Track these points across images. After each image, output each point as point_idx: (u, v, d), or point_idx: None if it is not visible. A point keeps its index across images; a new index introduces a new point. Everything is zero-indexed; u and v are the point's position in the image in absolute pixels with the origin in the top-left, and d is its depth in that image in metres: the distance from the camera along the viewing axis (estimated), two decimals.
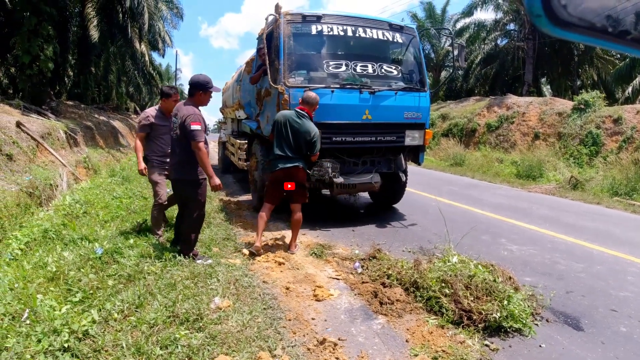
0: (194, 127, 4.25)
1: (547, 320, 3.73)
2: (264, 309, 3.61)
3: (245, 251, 5.16)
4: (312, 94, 5.29)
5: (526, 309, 3.60)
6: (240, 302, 3.67)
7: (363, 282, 4.28)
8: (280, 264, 4.81)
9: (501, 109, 18.93)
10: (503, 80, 26.67)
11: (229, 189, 9.96)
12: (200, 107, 4.52)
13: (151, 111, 5.30)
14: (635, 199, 9.74)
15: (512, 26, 26.02)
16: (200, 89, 4.46)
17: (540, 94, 23.45)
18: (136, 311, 3.34)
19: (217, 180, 4.46)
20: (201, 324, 3.18)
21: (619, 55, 23.09)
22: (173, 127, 4.48)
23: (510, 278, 4.03)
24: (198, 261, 4.47)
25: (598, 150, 13.77)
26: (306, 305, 3.83)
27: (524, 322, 3.49)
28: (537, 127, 16.65)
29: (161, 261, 4.36)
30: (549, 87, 26.52)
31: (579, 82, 24.83)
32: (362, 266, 4.69)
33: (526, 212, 8.22)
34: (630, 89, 18.02)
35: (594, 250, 5.94)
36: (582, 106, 15.31)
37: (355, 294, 4.11)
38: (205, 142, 4.40)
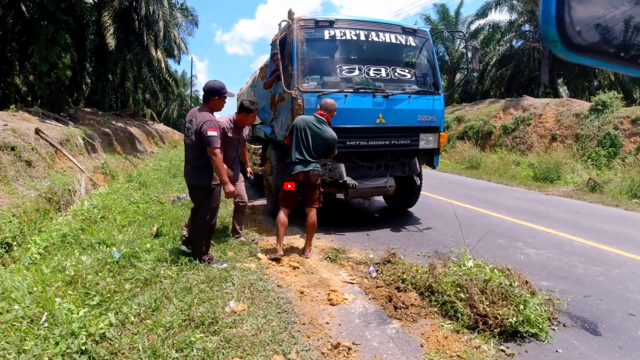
0: (211, 133, 4.32)
1: (564, 325, 3.68)
2: (279, 312, 3.63)
3: (260, 255, 5.19)
4: (330, 101, 5.39)
5: (543, 314, 3.55)
6: (255, 306, 3.70)
7: (377, 287, 4.27)
8: (294, 268, 4.82)
9: (517, 111, 18.71)
10: (519, 82, 26.41)
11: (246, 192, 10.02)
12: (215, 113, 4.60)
13: (225, 122, 5.30)
14: None
15: (527, 27, 25.75)
16: (215, 95, 4.54)
17: (556, 95, 23.15)
18: (152, 314, 3.39)
19: (231, 187, 4.54)
20: (216, 328, 3.21)
21: None
22: (188, 133, 4.53)
23: (526, 282, 3.97)
24: (213, 265, 4.52)
25: (616, 151, 13.53)
26: (320, 310, 3.83)
27: (541, 326, 3.44)
28: (554, 129, 16.43)
29: (177, 265, 4.42)
30: (565, 88, 26.17)
31: (595, 83, 24.45)
32: (377, 270, 4.67)
33: (543, 215, 8.11)
34: None
35: (612, 253, 5.84)
36: (600, 107, 15.06)
37: (369, 298, 4.10)
38: (220, 150, 4.46)
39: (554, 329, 3.57)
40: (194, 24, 28.25)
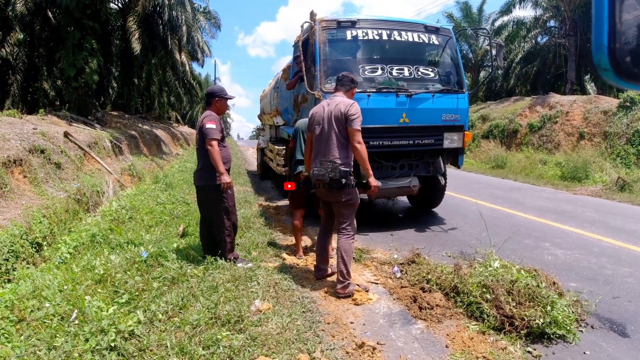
0: (209, 125, 4.42)
1: (592, 327, 3.61)
2: (303, 312, 3.65)
3: (285, 255, 5.23)
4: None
5: (570, 315, 3.49)
6: (279, 305, 3.73)
7: (402, 287, 4.26)
8: None
9: (544, 109, 18.35)
10: (544, 79, 25.93)
11: (268, 194, 10.11)
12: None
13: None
14: None
15: (552, 23, 25.29)
16: (216, 97, 4.68)
17: (584, 92, 22.66)
18: (180, 312, 3.46)
19: (226, 178, 4.49)
20: (242, 326, 3.25)
21: None
22: (197, 137, 4.66)
23: (554, 283, 3.90)
24: (239, 264, 4.57)
25: None
26: (345, 309, 3.84)
27: (568, 328, 3.38)
28: (582, 127, 16.07)
29: (203, 265, 4.48)
30: (592, 84, 25.59)
31: None
32: (401, 271, 4.65)
33: (571, 215, 7.94)
34: None
35: None
36: (628, 104, 14.66)
37: (394, 299, 4.09)
38: (223, 142, 4.55)
39: (581, 331, 3.50)
40: (216, 27, 28.55)
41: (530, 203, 9.18)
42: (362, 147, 4.02)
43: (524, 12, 39.95)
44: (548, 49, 24.64)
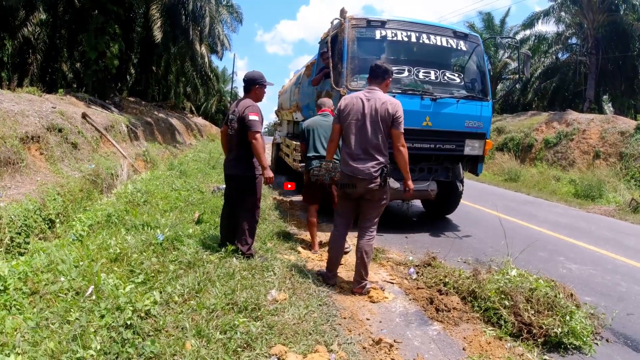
0: (252, 117, 4.25)
1: (607, 340, 3.59)
2: (320, 305, 3.63)
3: (300, 249, 5.23)
4: (323, 99, 5.77)
5: (587, 327, 3.46)
6: (296, 296, 3.71)
7: (418, 288, 4.24)
8: None
9: (560, 125, 18.21)
10: (563, 96, 25.77)
11: (282, 188, 10.09)
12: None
13: None
14: None
15: (574, 40, 25.15)
16: (256, 84, 4.53)
17: (601, 111, 22.51)
18: (196, 296, 3.45)
19: (270, 173, 4.41)
20: (259, 314, 3.24)
21: None
22: (231, 124, 4.47)
23: (571, 295, 3.86)
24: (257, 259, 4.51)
25: None
26: (360, 306, 3.83)
27: (585, 339, 3.36)
28: (598, 146, 15.93)
29: (219, 252, 4.47)
30: (610, 104, 25.38)
31: None
32: (417, 272, 4.63)
33: (585, 232, 7.88)
34: None
35: None
36: None
37: (410, 299, 4.07)
38: (261, 135, 4.40)
39: (597, 343, 3.47)
40: (238, 21, 28.59)
41: (543, 217, 9.11)
42: (405, 151, 3.98)
43: (547, 27, 39.80)
44: (568, 65, 24.51)
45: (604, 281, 5.21)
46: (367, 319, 3.56)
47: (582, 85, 23.17)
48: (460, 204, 7.82)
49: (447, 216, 8.06)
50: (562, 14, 23.53)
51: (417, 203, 8.89)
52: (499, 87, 28.14)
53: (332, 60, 6.15)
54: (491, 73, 26.91)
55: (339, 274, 4.43)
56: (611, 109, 24.82)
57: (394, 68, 6.23)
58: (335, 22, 6.34)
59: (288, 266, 4.45)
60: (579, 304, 3.79)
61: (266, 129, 57.30)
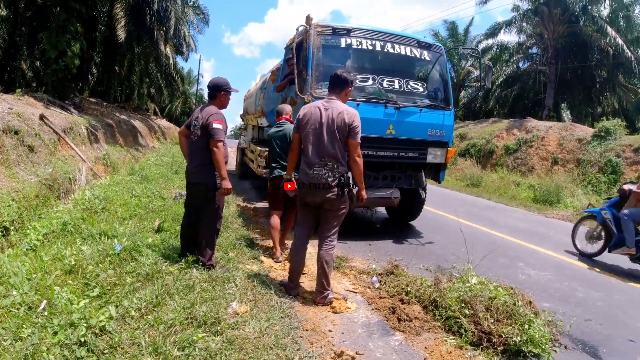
0: (216, 125, 4.20)
1: (565, 347, 3.67)
2: (282, 317, 3.58)
3: (263, 258, 5.15)
4: (282, 105, 5.91)
5: (546, 335, 3.53)
6: (257, 308, 3.65)
7: (381, 297, 4.24)
8: None
9: (520, 132, 18.77)
10: (523, 104, 26.56)
11: (246, 194, 9.99)
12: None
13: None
14: None
15: (534, 50, 25.98)
16: (221, 90, 4.46)
17: (559, 119, 23.30)
18: (154, 310, 3.34)
19: (228, 184, 4.35)
20: (219, 328, 3.17)
21: None
22: (194, 130, 4.38)
23: (530, 302, 3.94)
24: (218, 270, 4.40)
25: (617, 179, 13.53)
26: (323, 317, 3.80)
27: (543, 347, 3.42)
28: (556, 152, 16.48)
29: (179, 263, 4.35)
30: (568, 112, 26.32)
31: (599, 110, 24.61)
32: (380, 281, 4.64)
33: (544, 237, 8.11)
34: None
35: (613, 279, 5.87)
36: (603, 134, 15.12)
37: (372, 309, 4.07)
38: (224, 144, 4.34)
39: (555, 351, 3.55)
40: (204, 22, 28.22)
41: (504, 222, 9.34)
42: (361, 161, 3.97)
43: (509, 37, 40.96)
44: (528, 74, 25.28)
45: (562, 287, 5.36)
46: (330, 331, 3.54)
47: (542, 94, 23.92)
48: (423, 209, 7.93)
49: (411, 223, 8.16)
50: (524, 24, 24.27)
51: (381, 210, 8.96)
52: (462, 94, 28.79)
53: (297, 67, 6.13)
54: (454, 81, 27.60)
55: (302, 284, 4.39)
56: (569, 116, 25.72)
57: (358, 76, 6.29)
58: (301, 28, 6.32)
59: (250, 277, 4.37)
60: (537, 311, 3.88)
61: (232, 132, 56.66)
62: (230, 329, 3.19)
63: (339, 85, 4.05)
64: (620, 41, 19.94)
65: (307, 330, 3.46)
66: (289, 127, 5.35)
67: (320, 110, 3.93)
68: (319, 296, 4.01)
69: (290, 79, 6.40)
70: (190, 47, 26.16)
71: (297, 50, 6.31)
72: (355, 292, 4.44)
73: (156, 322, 3.12)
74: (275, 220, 5.43)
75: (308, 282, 4.58)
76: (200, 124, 4.31)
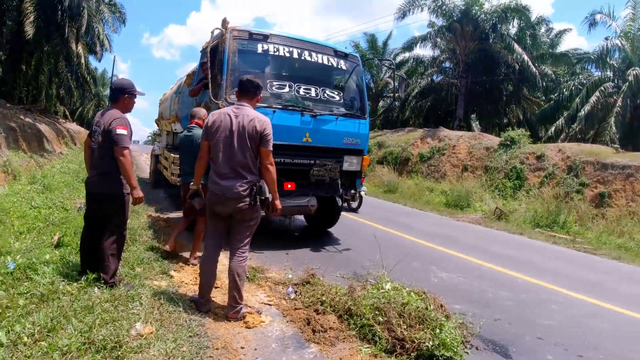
0: (120, 131, 3.89)
1: (476, 348, 3.80)
2: (190, 336, 3.38)
3: (173, 273, 4.88)
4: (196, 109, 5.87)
5: (457, 337, 3.62)
6: (164, 328, 3.42)
7: (296, 309, 4.17)
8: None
9: (434, 141, 19.74)
10: (436, 114, 27.92)
11: (159, 204, 9.52)
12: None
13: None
14: (555, 231, 10.45)
15: (447, 64, 27.47)
16: (125, 93, 4.16)
17: (469, 128, 24.72)
18: (48, 335, 3.02)
19: (140, 192, 4.08)
20: (119, 353, 2.92)
21: (544, 97, 24.99)
22: (94, 135, 4.05)
23: (441, 306, 4.08)
24: (123, 288, 4.08)
25: (521, 184, 14.61)
26: (235, 333, 3.64)
27: (455, 350, 3.50)
28: (466, 160, 17.49)
29: (78, 281, 4.01)
30: (478, 123, 28.04)
31: (505, 120, 26.53)
32: (296, 291, 4.58)
33: (455, 241, 8.51)
34: (552, 129, 19.45)
35: (519, 279, 6.23)
36: (508, 142, 16.28)
37: (287, 321, 3.98)
38: (129, 151, 4.05)
39: (467, 352, 3.66)
40: (121, 21, 26.71)
41: (418, 227, 9.70)
42: (273, 169, 3.88)
43: (424, 51, 43.01)
44: (441, 87, 26.60)
45: (472, 288, 5.61)
46: (242, 348, 3.40)
47: (454, 105, 25.24)
48: (341, 216, 8.04)
49: (329, 230, 8.22)
50: (438, 40, 25.56)
51: (300, 218, 8.95)
52: (380, 104, 29.76)
53: (211, 71, 5.96)
54: (374, 91, 28.46)
55: (214, 299, 4.20)
56: (479, 126, 27.39)
57: (275, 83, 6.24)
58: (216, 32, 6.16)
59: (157, 294, 4.09)
60: (448, 314, 4.01)
61: (149, 138, 54.30)
62: (133, 352, 2.96)
63: (250, 91, 3.93)
64: (526, 57, 21.56)
65: (217, 349, 3.30)
66: (198, 132, 5.22)
67: (230, 117, 3.78)
68: (231, 311, 3.86)
69: (205, 84, 6.20)
70: (105, 46, 24.72)
71: (212, 54, 6.13)
72: (270, 305, 4.33)
73: (50, 349, 2.83)
74: (180, 227, 5.42)
75: (221, 296, 4.39)
76: (101, 130, 3.98)
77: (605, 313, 5.14)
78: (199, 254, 4.99)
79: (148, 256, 5.36)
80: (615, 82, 18.82)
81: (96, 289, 3.90)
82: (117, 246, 4.17)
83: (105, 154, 4.00)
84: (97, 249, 4.12)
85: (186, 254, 5.69)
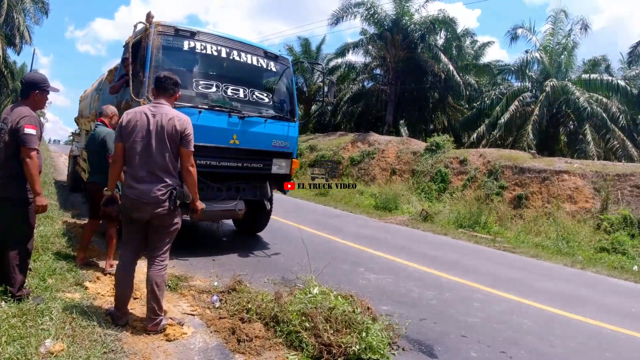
0: (28, 130, 3.55)
1: (403, 349, 3.83)
2: (105, 352, 3.10)
3: (88, 284, 4.50)
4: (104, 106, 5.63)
5: (384, 339, 3.63)
6: (76, 345, 3.11)
7: (220, 318, 3.98)
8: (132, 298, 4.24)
9: (364, 145, 20.16)
10: (367, 119, 28.54)
11: (76, 209, 8.88)
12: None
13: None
14: (477, 231, 10.96)
15: (378, 71, 28.22)
16: (36, 89, 3.78)
17: (398, 134, 25.47)
18: None
19: (43, 200, 3.73)
20: None
21: (467, 105, 26.32)
22: (1, 133, 3.64)
23: (368, 308, 4.09)
24: (32, 302, 3.71)
25: (446, 187, 15.24)
26: (155, 347, 3.39)
27: (382, 352, 3.50)
28: (395, 164, 18.00)
29: None
30: (406, 128, 28.99)
31: (432, 126, 27.69)
32: (221, 300, 4.38)
33: (383, 242, 8.66)
34: (475, 135, 20.51)
35: (443, 278, 6.43)
36: (434, 147, 16.96)
37: (211, 331, 3.78)
38: (38, 152, 3.71)
39: (394, 354, 3.68)
40: (43, 12, 24.92)
41: (347, 229, 9.80)
42: (194, 171, 3.67)
43: (356, 58, 43.85)
44: (372, 93, 27.23)
45: (399, 288, 5.70)
46: None
47: (383, 111, 25.92)
48: (272, 220, 7.92)
49: (258, 234, 8.08)
50: (370, 47, 26.22)
51: (229, 222, 8.72)
52: (313, 107, 29.97)
53: (133, 67, 5.63)
54: (306, 94, 28.62)
55: (132, 311, 3.90)
56: (407, 132, 28.29)
57: (201, 82, 6.01)
58: (140, 26, 5.83)
59: (70, 307, 3.74)
60: (375, 316, 4.02)
61: (71, 137, 51.06)
62: None
63: (168, 88, 3.69)
64: (451, 67, 22.63)
65: None
66: (101, 130, 5.06)
67: (147, 116, 3.51)
68: (151, 323, 3.60)
69: (126, 81, 5.85)
70: (25, 39, 22.99)
71: (135, 50, 5.79)
72: (193, 315, 4.10)
73: None
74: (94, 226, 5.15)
75: (140, 307, 4.10)
76: (8, 128, 3.60)
77: (525, 309, 5.40)
78: (115, 262, 4.66)
79: (61, 266, 4.90)
80: (533, 92, 20.27)
81: (3, 302, 3.52)
82: (23, 256, 3.78)
83: (10, 155, 3.63)
84: (2, 260, 3.72)
85: (103, 263, 5.30)
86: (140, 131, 3.47)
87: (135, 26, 5.91)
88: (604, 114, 17.83)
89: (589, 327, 4.97)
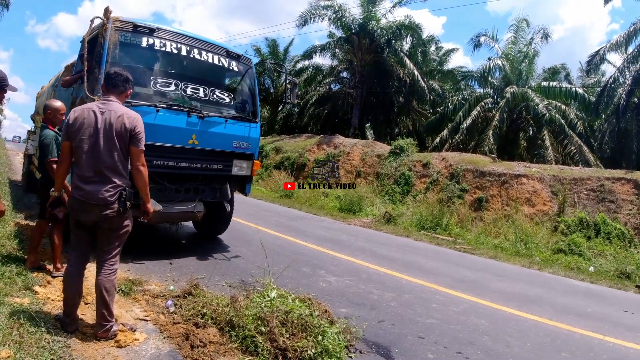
0: None
1: (360, 352, 3.82)
2: None
3: (38, 288, 4.30)
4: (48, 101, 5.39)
5: (340, 342, 3.62)
6: (23, 351, 2.95)
7: (174, 323, 3.87)
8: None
9: (329, 147, 20.22)
10: (333, 122, 28.67)
11: (30, 210, 8.49)
12: None
13: None
14: (438, 233, 11.17)
15: (345, 74, 28.41)
16: None
17: (364, 136, 25.70)
18: None
19: (0, 205, 3.52)
20: None
21: (431, 110, 26.82)
22: None
23: (326, 311, 4.08)
24: None
25: (409, 189, 15.45)
26: (105, 354, 3.26)
27: (338, 355, 3.48)
28: (359, 166, 18.12)
29: None
30: (372, 131, 29.29)
31: (396, 130, 28.04)
32: (175, 304, 4.25)
33: (345, 244, 8.68)
34: (438, 139, 20.97)
35: (403, 279, 6.48)
36: (398, 151, 17.18)
37: (164, 337, 3.66)
38: None
39: (351, 357, 3.68)
40: (4, 5, 23.74)
41: (310, 232, 9.78)
42: (145, 170, 3.52)
43: (323, 60, 44.10)
44: (339, 95, 27.40)
45: (359, 291, 5.70)
46: None
47: (349, 114, 26.13)
48: (233, 222, 7.79)
49: (219, 236, 7.94)
50: (337, 50, 26.46)
51: (189, 224, 8.54)
52: (279, 109, 29.85)
53: (88, 63, 5.43)
54: (273, 96, 28.54)
55: (83, 317, 3.74)
56: (372, 135, 28.60)
57: (159, 80, 5.86)
58: (97, 21, 5.63)
59: (17, 312, 3.53)
60: (333, 319, 4.00)
61: (27, 136, 49.11)
62: None
63: (119, 85, 3.55)
64: (416, 72, 23.06)
65: None
66: (43, 132, 4.83)
67: (95, 113, 3.37)
68: (101, 330, 3.45)
69: (81, 77, 5.63)
70: None
71: (91, 45, 5.59)
72: (146, 320, 3.96)
73: None
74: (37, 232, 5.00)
75: (91, 313, 3.91)
76: None
77: (482, 309, 5.50)
78: (64, 265, 4.47)
79: (10, 269, 4.65)
80: (495, 98, 20.88)
81: None
82: None
83: None
84: None
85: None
86: (88, 129, 3.32)
87: (92, 21, 5.70)
88: (562, 120, 18.54)
89: (545, 327, 5.10)
